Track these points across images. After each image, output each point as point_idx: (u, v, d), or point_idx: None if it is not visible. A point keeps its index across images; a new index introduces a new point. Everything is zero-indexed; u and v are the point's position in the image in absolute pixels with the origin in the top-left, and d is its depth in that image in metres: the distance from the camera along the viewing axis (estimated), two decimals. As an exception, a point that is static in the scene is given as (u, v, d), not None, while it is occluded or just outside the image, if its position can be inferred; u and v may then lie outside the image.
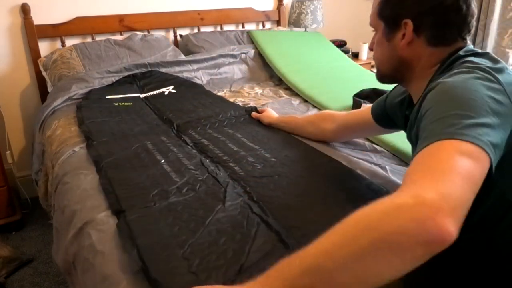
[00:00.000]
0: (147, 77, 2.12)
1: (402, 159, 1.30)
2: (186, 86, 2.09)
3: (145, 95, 1.99)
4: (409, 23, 0.87)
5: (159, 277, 0.79)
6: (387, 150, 1.36)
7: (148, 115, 1.74)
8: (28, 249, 1.97)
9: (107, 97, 1.91)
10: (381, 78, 1.00)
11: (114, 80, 2.08)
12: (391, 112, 1.10)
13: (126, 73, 2.13)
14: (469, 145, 0.62)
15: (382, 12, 0.92)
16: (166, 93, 1.99)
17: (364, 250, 0.53)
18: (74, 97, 1.94)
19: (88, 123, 1.62)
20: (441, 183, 0.55)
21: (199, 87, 2.12)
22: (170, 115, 1.70)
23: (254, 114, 1.65)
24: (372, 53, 1.00)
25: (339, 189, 1.10)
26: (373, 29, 0.97)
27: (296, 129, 1.47)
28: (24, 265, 1.85)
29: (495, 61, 0.81)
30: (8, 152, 2.27)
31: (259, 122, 1.62)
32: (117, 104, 1.84)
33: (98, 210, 1.07)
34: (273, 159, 1.27)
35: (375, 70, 1.02)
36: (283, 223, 0.94)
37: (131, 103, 1.86)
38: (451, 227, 0.51)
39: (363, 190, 1.09)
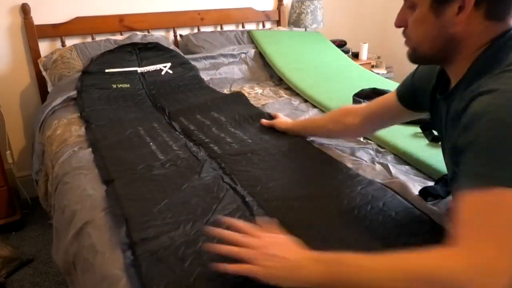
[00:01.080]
0: (147, 49, 2.18)
1: (402, 157, 1.31)
2: (183, 67, 2.18)
3: (143, 69, 2.08)
4: None
5: (136, 227, 0.94)
6: (388, 150, 1.37)
7: (143, 102, 1.88)
8: (28, 249, 1.97)
9: (106, 70, 2.03)
10: (417, 59, 0.88)
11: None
12: (419, 90, 1.01)
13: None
14: None
15: None
16: (163, 73, 2.08)
17: None
18: (75, 96, 1.94)
19: (88, 111, 1.76)
20: (499, 259, 0.59)
21: (195, 70, 2.19)
22: (164, 103, 1.84)
23: (264, 121, 1.56)
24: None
25: (303, 163, 1.25)
26: (408, 4, 0.82)
27: (316, 130, 1.41)
28: (24, 265, 1.85)
29: None
30: (8, 152, 2.27)
31: (243, 105, 1.70)
32: (115, 86, 1.97)
33: (98, 210, 1.07)
34: (249, 140, 1.42)
35: (408, 51, 0.85)
36: (248, 190, 1.10)
37: (128, 85, 1.98)
38: None
39: (328, 167, 1.21)
